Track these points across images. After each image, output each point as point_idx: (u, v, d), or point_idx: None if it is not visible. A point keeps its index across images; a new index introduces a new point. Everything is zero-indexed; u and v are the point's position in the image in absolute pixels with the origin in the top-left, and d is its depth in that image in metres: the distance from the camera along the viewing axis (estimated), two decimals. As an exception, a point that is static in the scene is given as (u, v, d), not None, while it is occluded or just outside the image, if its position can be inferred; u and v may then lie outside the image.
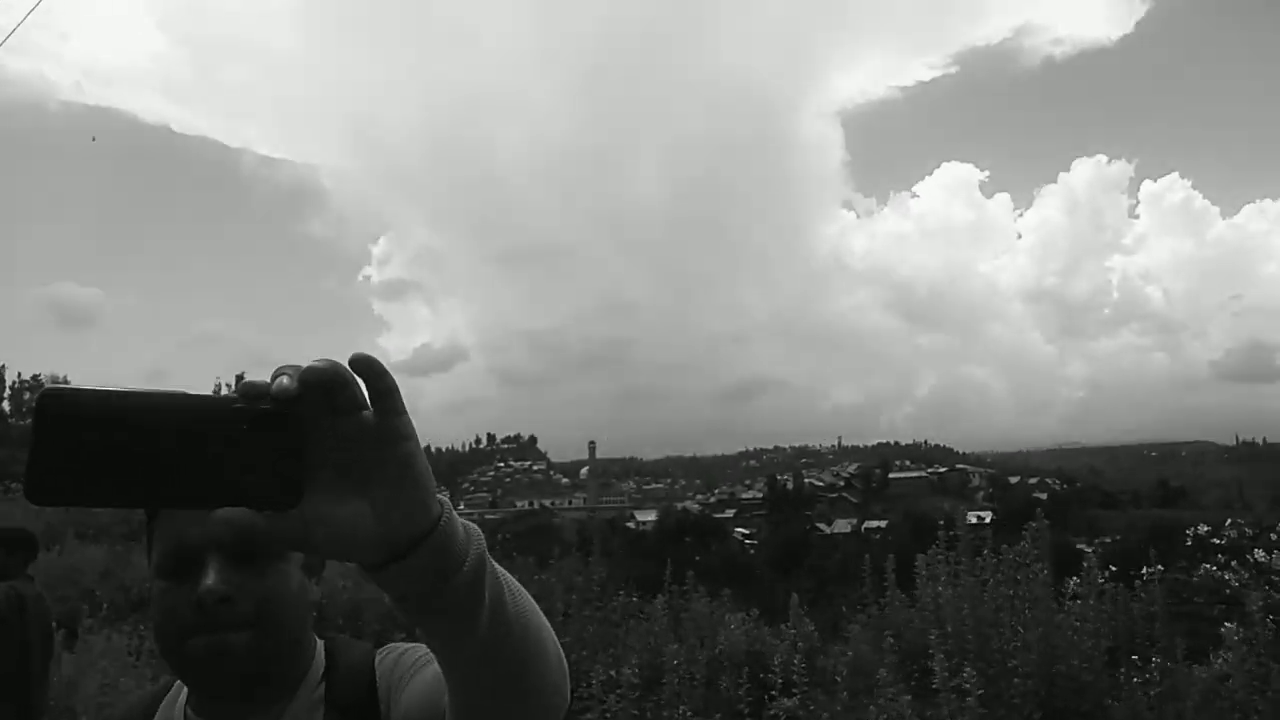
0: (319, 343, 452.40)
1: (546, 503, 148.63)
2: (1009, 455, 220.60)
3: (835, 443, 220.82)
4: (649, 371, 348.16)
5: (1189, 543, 6.69)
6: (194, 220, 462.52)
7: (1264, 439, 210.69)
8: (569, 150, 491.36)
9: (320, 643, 1.20)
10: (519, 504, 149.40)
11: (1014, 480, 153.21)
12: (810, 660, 5.71)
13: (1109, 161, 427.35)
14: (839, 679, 4.86)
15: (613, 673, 5.50)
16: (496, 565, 0.80)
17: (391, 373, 0.72)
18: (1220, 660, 5.36)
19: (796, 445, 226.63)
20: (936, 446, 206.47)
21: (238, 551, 1.06)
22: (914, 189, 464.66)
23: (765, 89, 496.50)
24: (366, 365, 0.70)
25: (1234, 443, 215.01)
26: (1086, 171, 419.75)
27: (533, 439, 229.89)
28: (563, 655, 0.88)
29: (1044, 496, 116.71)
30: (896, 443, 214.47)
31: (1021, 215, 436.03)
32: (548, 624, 0.87)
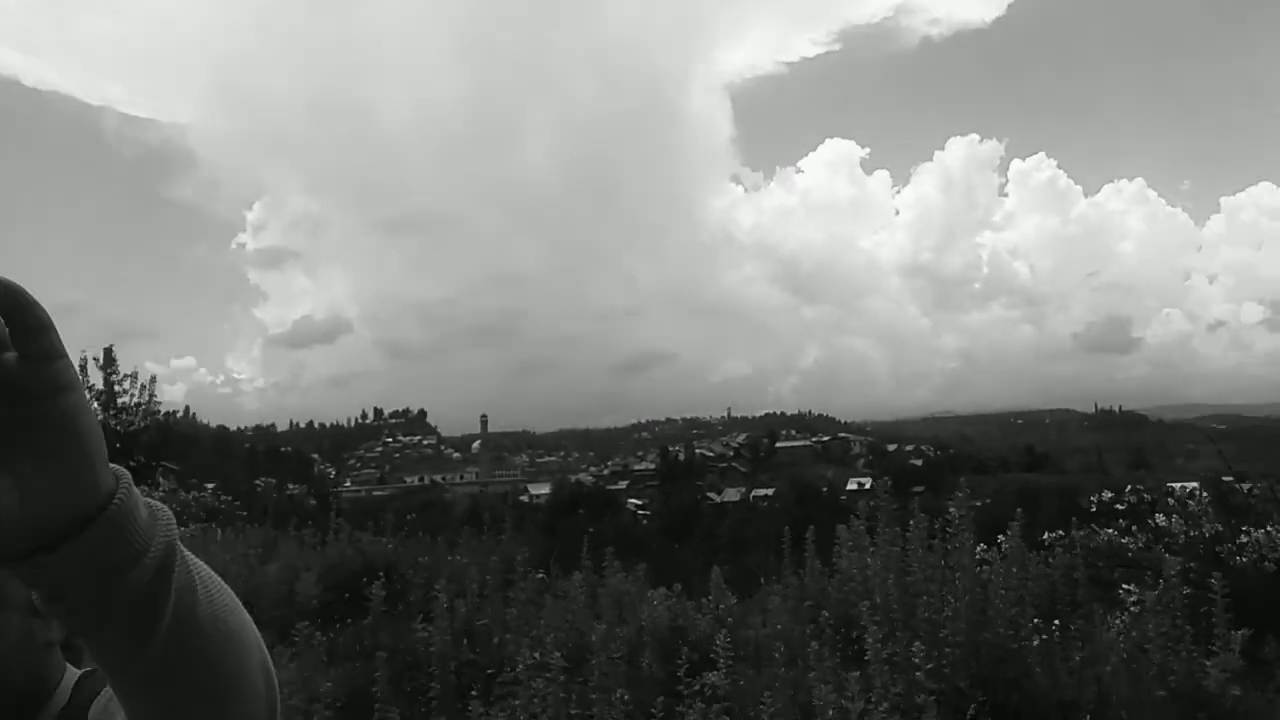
0: (192, 313, 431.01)
1: (437, 478, 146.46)
2: (887, 424, 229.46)
3: (725, 414, 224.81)
4: (541, 344, 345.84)
5: (1094, 509, 7.00)
6: (49, 183, 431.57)
7: (1119, 407, 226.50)
8: (455, 116, 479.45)
9: (74, 674, 1.00)
10: (408, 480, 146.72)
11: (892, 448, 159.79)
12: (734, 634, 5.66)
13: (981, 141, 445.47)
14: (777, 654, 4.80)
15: (536, 655, 5.32)
16: (191, 556, 0.66)
17: (43, 306, 0.54)
18: (1118, 623, 5.60)
19: (687, 417, 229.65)
20: (820, 416, 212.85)
21: None
22: (799, 164, 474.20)
23: (654, 61, 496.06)
24: (6, 294, 0.52)
25: (1093, 410, 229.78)
26: (960, 150, 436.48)
27: (422, 413, 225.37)
28: (270, 663, 0.75)
29: (919, 463, 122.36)
30: (783, 413, 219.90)
31: (899, 192, 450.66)
32: (251, 625, 0.73)
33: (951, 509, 5.10)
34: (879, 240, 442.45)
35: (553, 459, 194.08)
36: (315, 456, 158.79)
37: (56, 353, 0.55)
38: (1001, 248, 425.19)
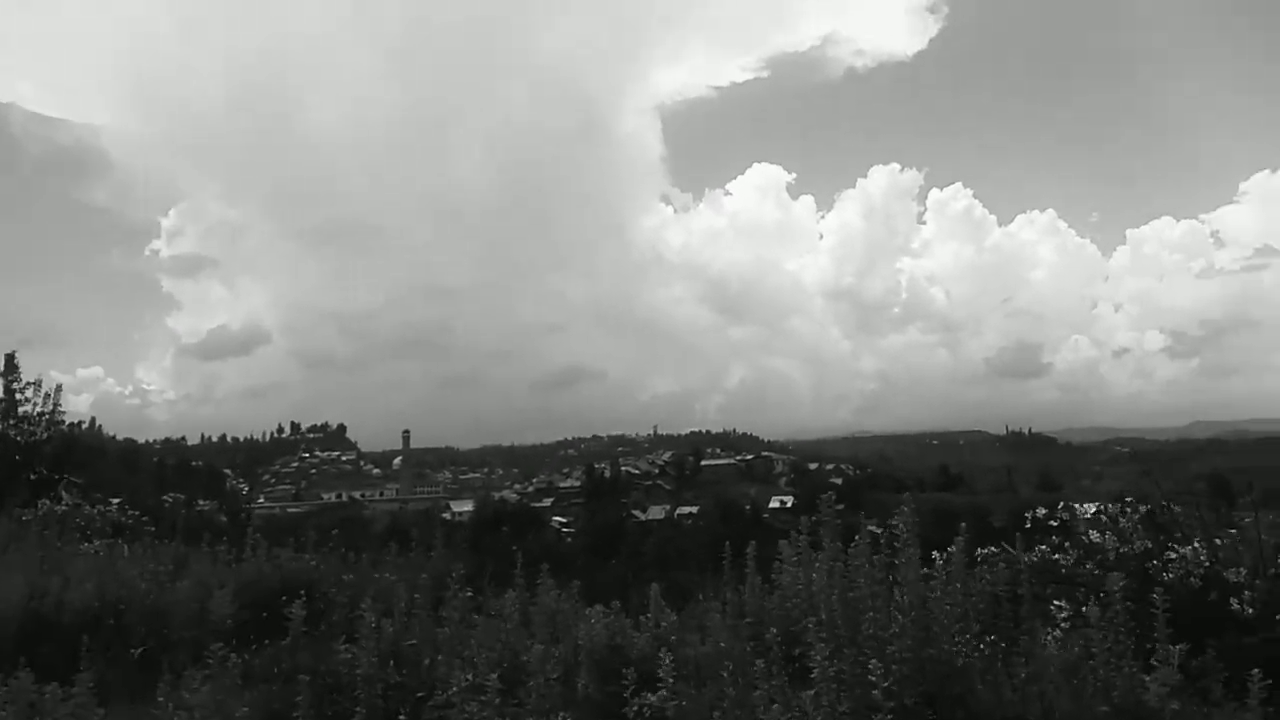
0: (101, 321, 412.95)
1: (356, 494, 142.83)
2: (808, 443, 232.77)
3: (651, 431, 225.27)
4: (465, 359, 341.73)
5: (1028, 525, 7.09)
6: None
7: (1030, 429, 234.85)
8: (382, 125, 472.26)
9: None
10: (326, 496, 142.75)
11: (813, 466, 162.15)
12: (675, 652, 5.51)
13: (901, 170, 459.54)
14: (725, 672, 4.67)
15: (469, 677, 5.07)
16: None
17: None
18: (1051, 638, 5.64)
19: (614, 434, 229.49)
20: (744, 435, 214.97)
21: None
22: (727, 186, 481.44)
23: (587, 79, 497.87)
24: None
25: (1004, 432, 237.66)
26: (882, 179, 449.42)
27: (341, 428, 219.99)
28: None
29: (839, 481, 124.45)
30: (708, 431, 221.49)
31: (824, 217, 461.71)
32: None
33: (900, 524, 5.05)
34: (804, 263, 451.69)
35: (476, 476, 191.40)
36: (228, 472, 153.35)
37: None
38: (920, 274, 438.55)
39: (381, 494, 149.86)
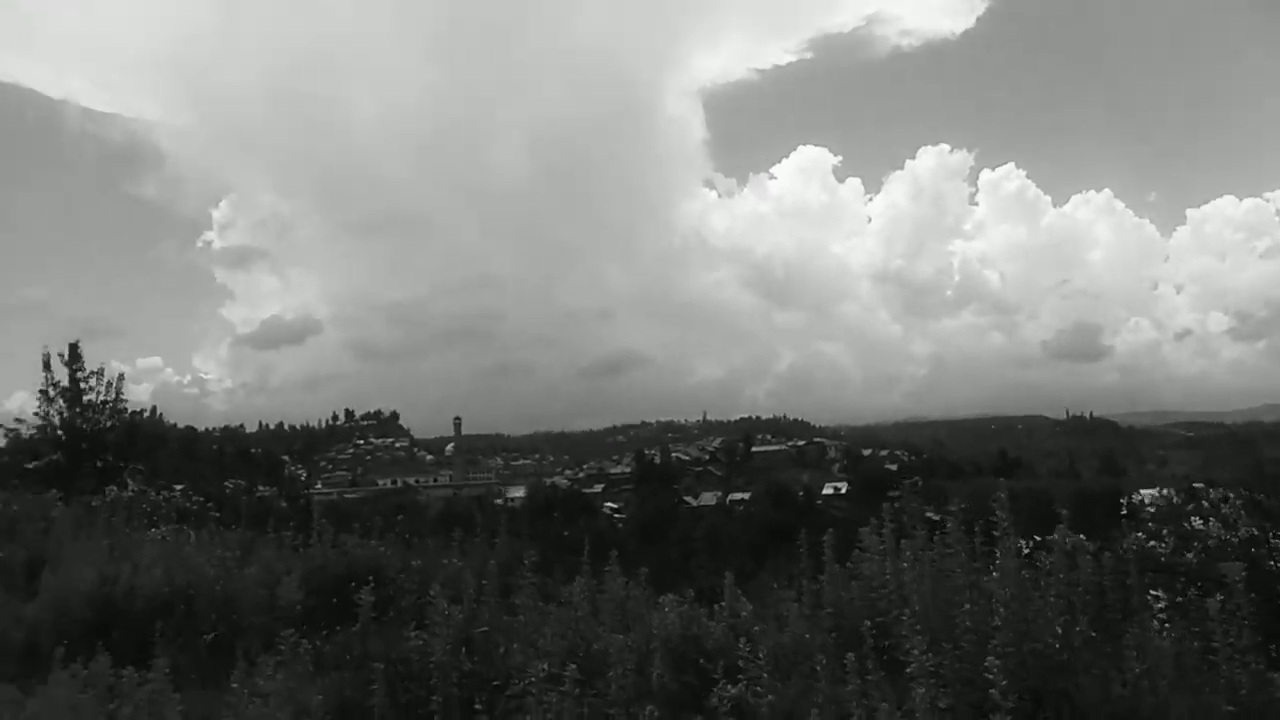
0: (157, 312, 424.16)
1: (410, 480, 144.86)
2: (860, 428, 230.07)
3: (700, 417, 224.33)
4: (514, 346, 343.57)
5: (1124, 512, 6.73)
6: (9, 178, 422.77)
7: (1090, 413, 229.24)
8: (425, 116, 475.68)
9: None
10: (381, 482, 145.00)
11: (866, 453, 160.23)
12: (753, 644, 5.29)
13: (951, 150, 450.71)
14: (818, 666, 4.45)
15: (544, 666, 4.93)
16: None
17: None
18: (1162, 632, 5.30)
19: (663, 420, 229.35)
20: (795, 420, 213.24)
21: None
22: (771, 170, 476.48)
23: (628, 65, 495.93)
24: None
25: (1064, 416, 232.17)
26: (930, 160, 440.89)
27: (394, 415, 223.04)
28: None
29: (894, 468, 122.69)
30: (758, 417, 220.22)
31: (871, 200, 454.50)
32: None
33: (998, 512, 4.76)
34: (850, 246, 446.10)
35: (527, 462, 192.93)
36: (285, 459, 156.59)
37: None
38: (972, 256, 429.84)
39: (435, 480, 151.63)
